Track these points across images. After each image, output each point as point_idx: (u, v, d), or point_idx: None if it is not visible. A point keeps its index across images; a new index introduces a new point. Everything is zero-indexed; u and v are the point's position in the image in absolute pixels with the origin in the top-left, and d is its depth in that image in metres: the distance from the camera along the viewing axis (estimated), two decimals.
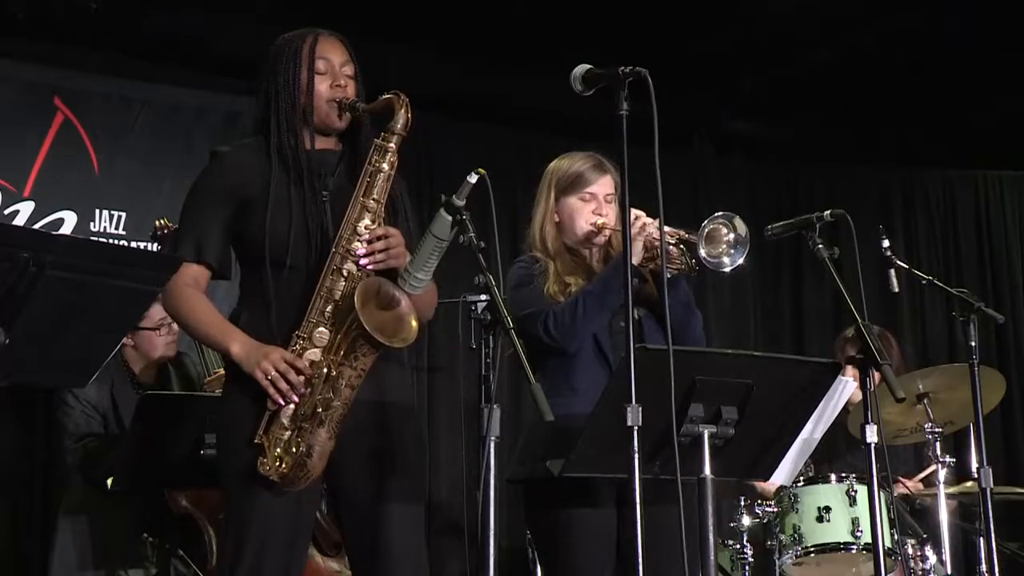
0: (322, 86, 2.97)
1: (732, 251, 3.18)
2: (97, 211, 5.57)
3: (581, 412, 3.03)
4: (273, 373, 2.78)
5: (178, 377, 4.57)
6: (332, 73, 2.98)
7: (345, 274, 2.86)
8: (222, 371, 4.12)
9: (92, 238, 5.30)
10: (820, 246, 3.24)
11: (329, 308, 2.85)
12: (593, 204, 3.42)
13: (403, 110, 2.89)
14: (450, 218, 2.75)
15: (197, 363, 4.55)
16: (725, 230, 3.18)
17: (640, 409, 2.60)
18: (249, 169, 2.94)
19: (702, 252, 3.14)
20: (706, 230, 3.16)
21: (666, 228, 3.14)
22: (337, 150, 3.03)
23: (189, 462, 3.84)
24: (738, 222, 3.18)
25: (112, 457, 4.15)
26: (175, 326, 4.42)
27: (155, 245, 4.64)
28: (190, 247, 2.92)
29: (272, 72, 2.98)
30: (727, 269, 3.19)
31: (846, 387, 3.52)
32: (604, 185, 3.43)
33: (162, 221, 4.57)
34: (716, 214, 3.19)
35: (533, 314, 3.25)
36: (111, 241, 5.41)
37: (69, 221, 5.49)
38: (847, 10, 5.83)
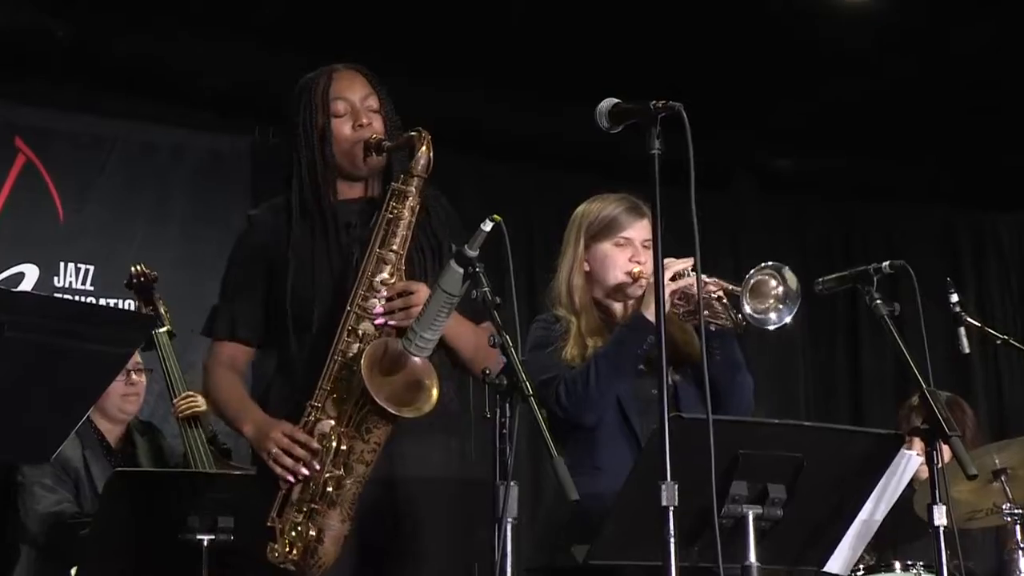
0: (344, 129, 2.99)
1: (780, 307, 3.18)
2: (62, 264, 5.62)
3: (606, 491, 3.02)
4: (275, 450, 2.82)
5: (149, 447, 4.58)
6: (353, 112, 3.01)
7: (360, 335, 2.87)
8: (192, 395, 4.34)
9: (56, 295, 5.34)
10: (878, 301, 3.23)
11: (344, 373, 2.86)
12: (629, 250, 3.40)
13: (424, 148, 2.92)
14: (461, 271, 2.75)
15: (169, 438, 4.58)
16: (774, 283, 3.18)
17: (676, 487, 2.59)
18: (274, 230, 3.01)
19: (746, 306, 3.14)
20: (752, 281, 3.15)
21: (708, 279, 3.14)
22: (366, 196, 3.06)
23: (167, 548, 3.83)
24: (788, 274, 3.17)
25: (78, 536, 4.15)
26: (135, 378, 4.46)
27: (132, 295, 4.66)
28: (225, 324, 3.02)
29: (292, 123, 3.03)
30: (773, 327, 3.18)
31: (910, 462, 3.50)
32: (641, 230, 3.40)
33: (139, 267, 4.60)
34: (763, 264, 3.19)
35: (546, 381, 3.24)
36: (77, 298, 5.44)
37: (30, 276, 5.53)
38: (906, 29, 5.82)
